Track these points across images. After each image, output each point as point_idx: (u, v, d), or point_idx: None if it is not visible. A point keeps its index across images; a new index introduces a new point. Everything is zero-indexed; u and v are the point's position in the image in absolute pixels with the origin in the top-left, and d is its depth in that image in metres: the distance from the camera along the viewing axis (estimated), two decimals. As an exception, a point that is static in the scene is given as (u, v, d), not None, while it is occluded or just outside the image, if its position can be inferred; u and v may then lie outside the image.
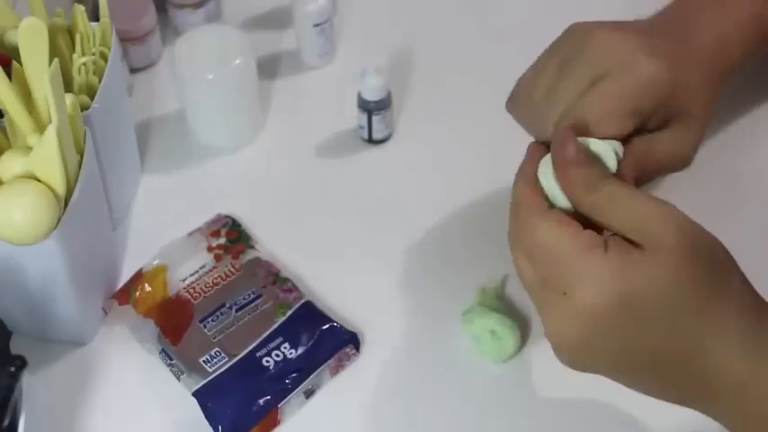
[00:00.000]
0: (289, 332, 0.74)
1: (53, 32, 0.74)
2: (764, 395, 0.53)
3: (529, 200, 0.58)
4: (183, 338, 0.74)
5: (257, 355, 0.73)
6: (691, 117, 0.64)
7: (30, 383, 0.61)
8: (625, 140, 0.62)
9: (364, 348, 0.75)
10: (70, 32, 0.77)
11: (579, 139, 0.59)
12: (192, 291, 0.77)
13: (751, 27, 0.67)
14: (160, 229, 0.82)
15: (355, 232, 0.83)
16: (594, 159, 0.58)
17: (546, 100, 0.63)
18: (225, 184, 0.87)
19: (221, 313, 0.75)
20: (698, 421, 0.58)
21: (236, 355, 0.73)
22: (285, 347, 0.73)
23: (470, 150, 0.87)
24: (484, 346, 0.74)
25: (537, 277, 0.56)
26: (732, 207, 0.80)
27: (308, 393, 0.73)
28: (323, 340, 0.74)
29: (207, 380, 0.72)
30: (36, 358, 0.64)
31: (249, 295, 0.76)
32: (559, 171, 0.57)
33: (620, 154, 0.60)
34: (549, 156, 0.59)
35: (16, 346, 0.66)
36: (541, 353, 0.74)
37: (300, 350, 0.73)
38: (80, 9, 0.76)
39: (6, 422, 0.58)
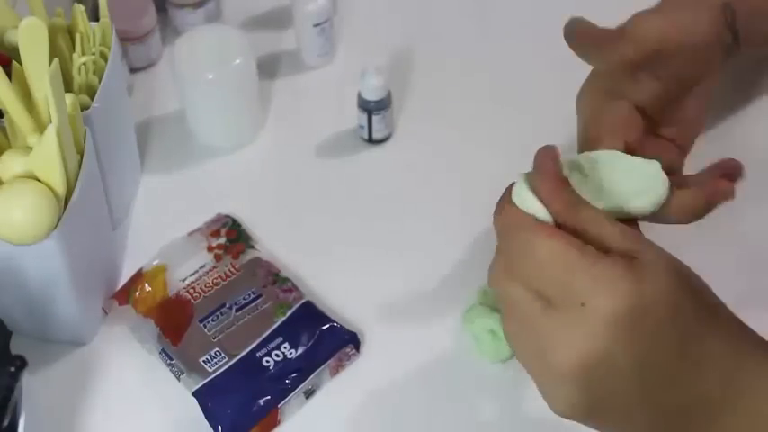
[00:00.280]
0: (289, 332, 0.74)
1: (53, 32, 0.74)
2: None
3: (519, 220, 0.55)
4: (183, 338, 0.74)
5: (257, 355, 0.73)
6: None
7: (30, 383, 0.61)
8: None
9: (364, 348, 0.75)
10: (70, 32, 0.77)
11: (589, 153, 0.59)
12: (192, 291, 0.77)
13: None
14: (160, 229, 0.82)
15: (355, 232, 0.83)
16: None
17: None
18: (225, 184, 0.87)
19: (221, 313, 0.75)
20: None
21: (236, 355, 0.73)
22: (285, 347, 0.73)
23: (470, 150, 0.87)
24: (484, 346, 0.74)
25: (539, 304, 0.52)
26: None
27: (308, 393, 0.73)
28: (323, 340, 0.74)
29: (207, 380, 0.72)
30: (36, 358, 0.64)
31: (249, 295, 0.77)
32: (545, 198, 0.55)
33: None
34: (519, 182, 0.56)
35: (16, 346, 0.66)
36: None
37: (300, 350, 0.73)
38: (80, 9, 0.76)
39: (6, 422, 0.58)
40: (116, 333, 0.77)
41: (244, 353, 0.73)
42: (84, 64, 0.76)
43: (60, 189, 0.67)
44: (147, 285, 0.77)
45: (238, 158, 0.89)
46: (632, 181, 0.58)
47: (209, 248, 0.80)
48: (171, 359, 0.73)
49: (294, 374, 0.72)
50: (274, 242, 0.81)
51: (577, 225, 0.53)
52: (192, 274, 0.78)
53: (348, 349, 0.74)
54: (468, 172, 0.86)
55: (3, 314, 0.68)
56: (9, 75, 0.68)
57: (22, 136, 0.69)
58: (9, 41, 0.74)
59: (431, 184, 0.85)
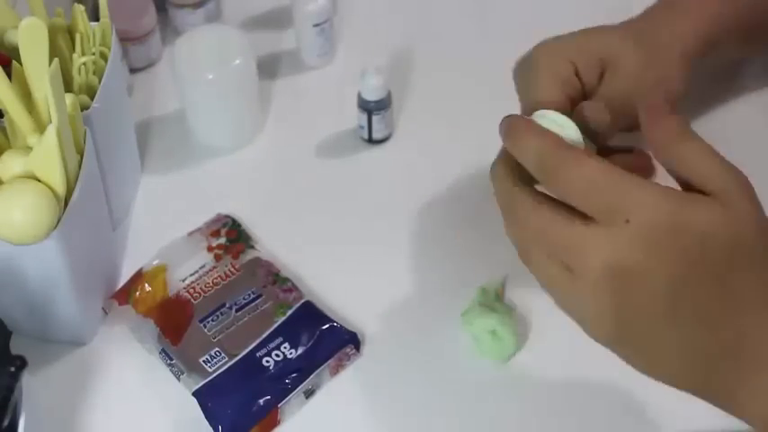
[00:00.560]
0: (289, 332, 0.74)
1: (53, 32, 0.74)
2: None
3: (558, 144, 0.54)
4: (183, 338, 0.74)
5: (257, 355, 0.73)
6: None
7: (30, 383, 0.61)
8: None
9: (364, 348, 0.75)
10: (70, 32, 0.77)
11: (538, 113, 0.59)
12: (191, 291, 0.77)
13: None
14: (160, 229, 0.82)
15: (355, 232, 0.83)
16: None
17: None
18: (225, 184, 0.87)
19: (221, 313, 0.75)
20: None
21: (236, 355, 0.73)
22: (285, 347, 0.73)
23: (470, 150, 0.87)
24: (484, 346, 0.74)
25: (578, 219, 0.52)
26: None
27: (308, 393, 0.73)
28: (323, 340, 0.74)
29: (207, 380, 0.72)
30: (36, 358, 0.64)
31: (249, 295, 0.77)
32: (649, 123, 0.55)
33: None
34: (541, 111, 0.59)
35: (16, 346, 0.66)
36: (541, 353, 0.74)
37: (300, 350, 0.73)
38: (80, 9, 0.76)
39: (6, 422, 0.58)
40: (116, 333, 0.77)
41: (244, 353, 0.73)
42: (84, 64, 0.76)
43: (60, 189, 0.67)
44: (147, 285, 0.77)
45: (238, 158, 0.89)
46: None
47: (209, 248, 0.80)
48: (171, 359, 0.73)
49: (294, 374, 0.72)
50: (274, 242, 0.81)
51: (673, 156, 0.53)
52: (192, 275, 0.78)
53: (348, 349, 0.74)
54: (468, 172, 0.86)
55: (3, 314, 0.68)
56: (9, 75, 0.68)
57: (22, 136, 0.69)
58: (9, 41, 0.74)
59: (431, 183, 0.85)
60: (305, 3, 0.90)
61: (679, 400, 0.70)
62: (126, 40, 0.91)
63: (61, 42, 0.76)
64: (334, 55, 0.96)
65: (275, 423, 0.72)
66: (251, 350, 0.73)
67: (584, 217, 0.52)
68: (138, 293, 0.77)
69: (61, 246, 0.68)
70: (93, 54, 0.77)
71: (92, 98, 0.75)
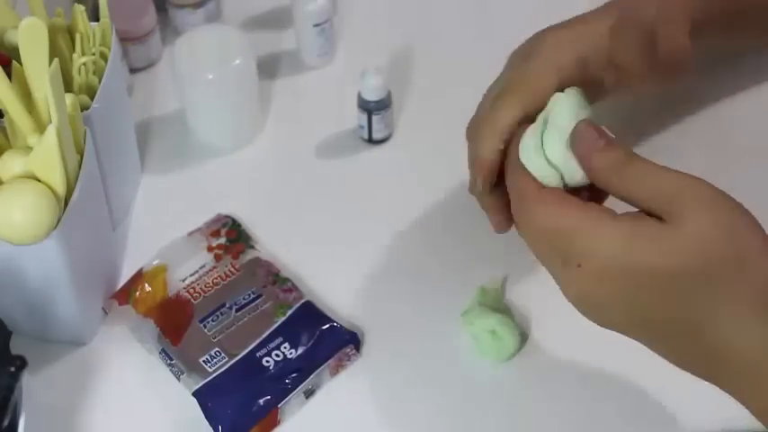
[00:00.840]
0: (289, 332, 0.74)
1: (53, 32, 0.74)
2: None
3: (522, 185, 0.59)
4: (183, 338, 0.74)
5: (257, 355, 0.73)
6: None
7: (30, 383, 0.61)
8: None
9: (364, 348, 0.75)
10: (70, 32, 0.77)
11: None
12: (191, 291, 0.77)
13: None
14: (160, 229, 0.82)
15: (355, 232, 0.83)
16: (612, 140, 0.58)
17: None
18: (225, 184, 0.87)
19: (221, 313, 0.75)
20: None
21: (236, 355, 0.73)
22: (285, 347, 0.73)
23: (470, 150, 0.87)
24: (484, 346, 0.74)
25: (550, 254, 0.57)
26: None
27: (308, 393, 0.73)
28: (323, 340, 0.74)
29: (207, 380, 0.72)
30: (36, 358, 0.64)
31: (249, 295, 0.77)
32: (584, 161, 0.57)
33: (583, 99, 0.61)
34: (526, 140, 0.60)
35: (16, 346, 0.66)
36: (541, 353, 0.74)
37: (300, 350, 0.73)
38: (80, 9, 0.76)
39: (6, 422, 0.58)
40: (116, 333, 0.77)
41: (244, 353, 0.73)
42: (84, 64, 0.76)
43: (60, 189, 0.67)
44: (147, 285, 0.77)
45: (238, 158, 0.89)
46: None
47: (209, 248, 0.80)
48: (171, 359, 0.73)
49: (294, 374, 0.72)
50: (274, 242, 0.81)
51: (614, 188, 0.56)
52: (192, 275, 0.78)
53: (348, 349, 0.74)
54: (468, 172, 0.85)
55: (3, 314, 0.68)
56: (9, 75, 0.68)
57: (22, 136, 0.69)
58: (9, 41, 0.74)
59: (431, 183, 0.85)
60: (305, 3, 0.90)
61: (679, 402, 0.70)
62: (126, 40, 0.91)
63: (61, 42, 0.76)
64: (334, 55, 0.95)
65: (275, 423, 0.72)
66: (251, 350, 0.73)
67: None
68: (138, 293, 0.77)
69: (61, 246, 0.68)
70: (93, 54, 0.77)
71: (92, 98, 0.75)
